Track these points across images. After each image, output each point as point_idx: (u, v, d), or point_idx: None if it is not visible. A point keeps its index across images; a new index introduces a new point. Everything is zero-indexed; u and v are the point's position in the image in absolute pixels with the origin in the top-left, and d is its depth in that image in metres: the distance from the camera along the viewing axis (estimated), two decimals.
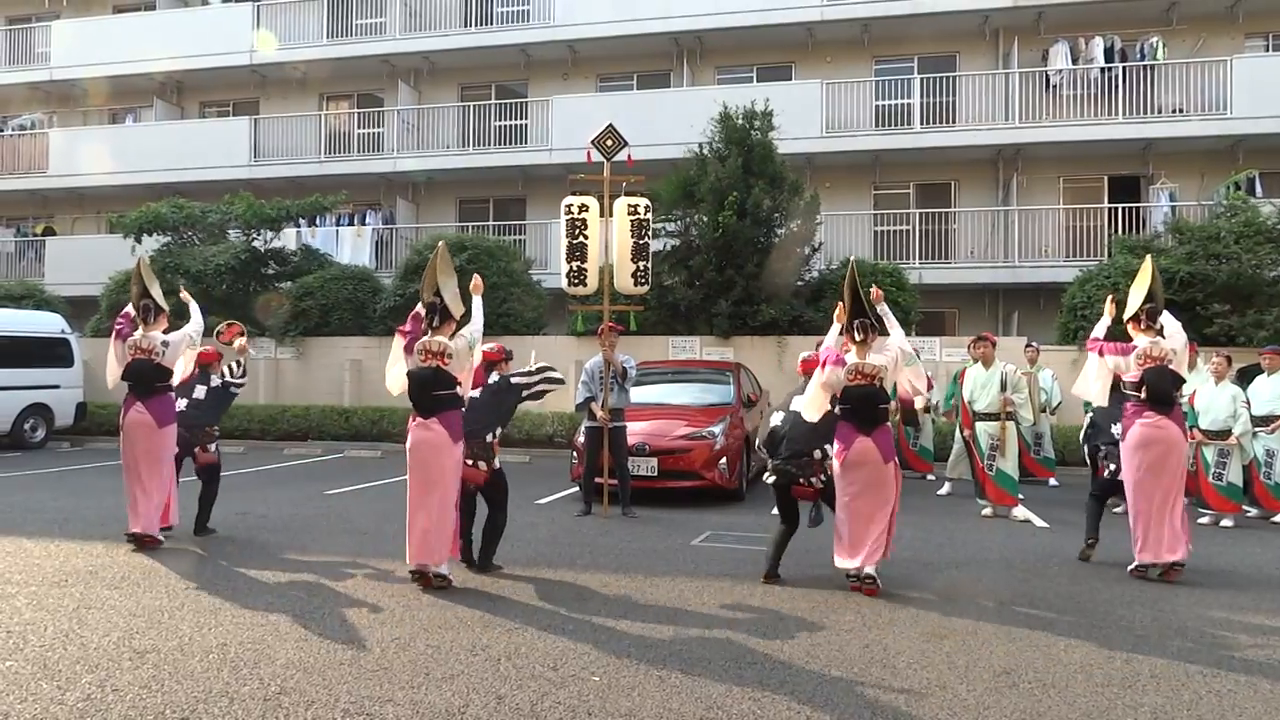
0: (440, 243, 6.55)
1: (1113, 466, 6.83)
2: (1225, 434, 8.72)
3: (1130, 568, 6.41)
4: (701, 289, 15.31)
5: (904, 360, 5.97)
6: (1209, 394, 8.92)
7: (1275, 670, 4.45)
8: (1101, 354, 6.56)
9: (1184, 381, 6.40)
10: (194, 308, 7.62)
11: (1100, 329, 6.75)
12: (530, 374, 6.53)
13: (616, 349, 8.89)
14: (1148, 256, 6.62)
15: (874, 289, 6.13)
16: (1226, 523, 8.75)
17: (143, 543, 6.90)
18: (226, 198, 18.39)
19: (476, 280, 6.44)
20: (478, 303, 6.30)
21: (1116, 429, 6.62)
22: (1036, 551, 7.30)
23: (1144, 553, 6.30)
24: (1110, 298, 6.92)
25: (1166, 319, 6.43)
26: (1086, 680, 4.27)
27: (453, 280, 6.01)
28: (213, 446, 7.70)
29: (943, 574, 6.42)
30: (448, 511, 5.84)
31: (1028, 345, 11.91)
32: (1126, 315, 6.47)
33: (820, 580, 6.15)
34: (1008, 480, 8.83)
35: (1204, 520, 8.74)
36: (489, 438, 6.30)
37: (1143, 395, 6.23)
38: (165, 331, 7.20)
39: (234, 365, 7.92)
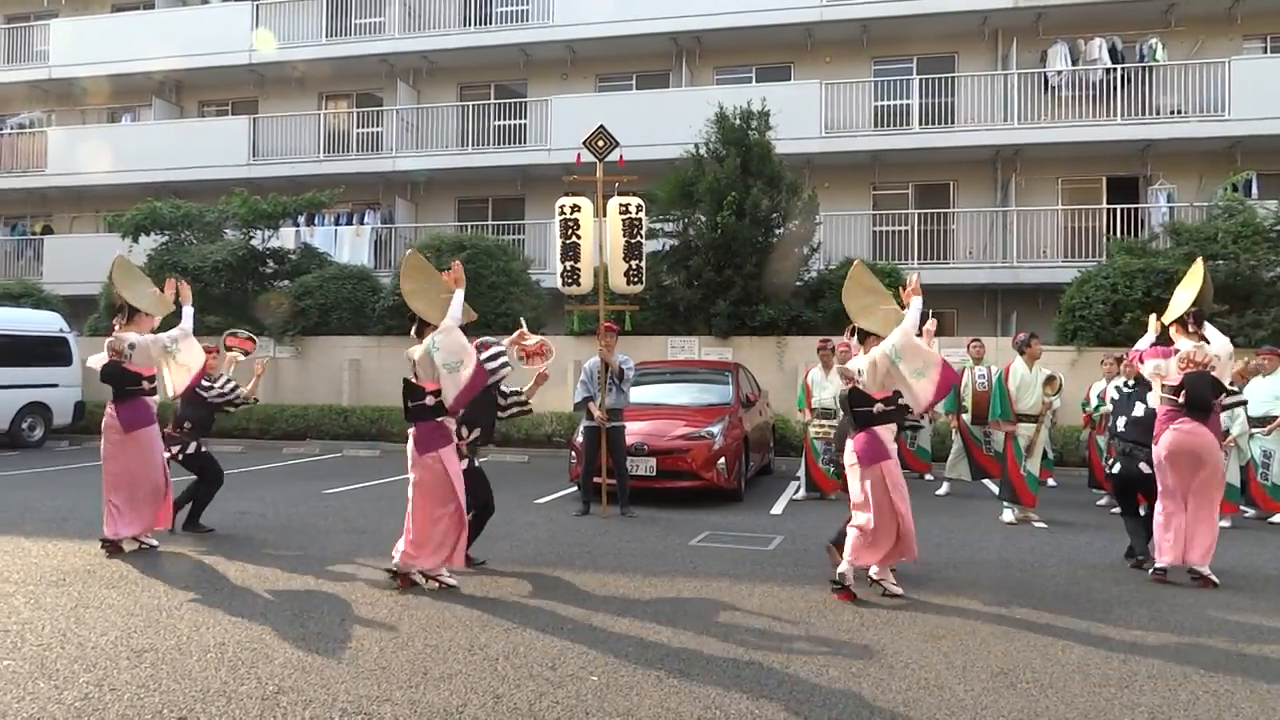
0: (408, 251, 6.42)
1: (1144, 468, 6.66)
2: (1223, 435, 8.72)
3: (1150, 571, 6.34)
4: (700, 289, 15.32)
5: (883, 366, 5.80)
6: None
7: (1272, 670, 4.46)
8: (1141, 360, 6.51)
9: (1224, 389, 6.21)
10: (185, 310, 7.10)
11: (1143, 343, 6.64)
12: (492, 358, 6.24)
13: (615, 349, 8.90)
14: (1199, 259, 6.46)
15: (911, 279, 6.05)
16: (1224, 523, 8.73)
17: (114, 548, 6.70)
18: (224, 197, 18.38)
19: (455, 270, 5.98)
20: (456, 297, 5.85)
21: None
22: (1034, 552, 7.31)
23: (1164, 556, 6.25)
24: (1154, 315, 6.73)
25: (1208, 328, 6.27)
26: (1084, 680, 4.27)
27: (426, 287, 5.86)
28: (188, 448, 7.60)
29: (940, 574, 6.43)
30: (427, 517, 5.78)
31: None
32: (1170, 317, 6.34)
33: (817, 580, 6.15)
34: (1031, 480, 8.80)
35: None
36: (469, 435, 6.27)
37: (1181, 400, 6.12)
38: (155, 332, 7.07)
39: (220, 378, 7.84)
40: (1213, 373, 6.10)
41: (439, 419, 5.81)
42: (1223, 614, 5.47)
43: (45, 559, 6.57)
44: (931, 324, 6.35)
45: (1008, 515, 8.75)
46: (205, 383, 7.66)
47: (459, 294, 5.86)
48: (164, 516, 7.11)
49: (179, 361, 6.91)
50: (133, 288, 7.07)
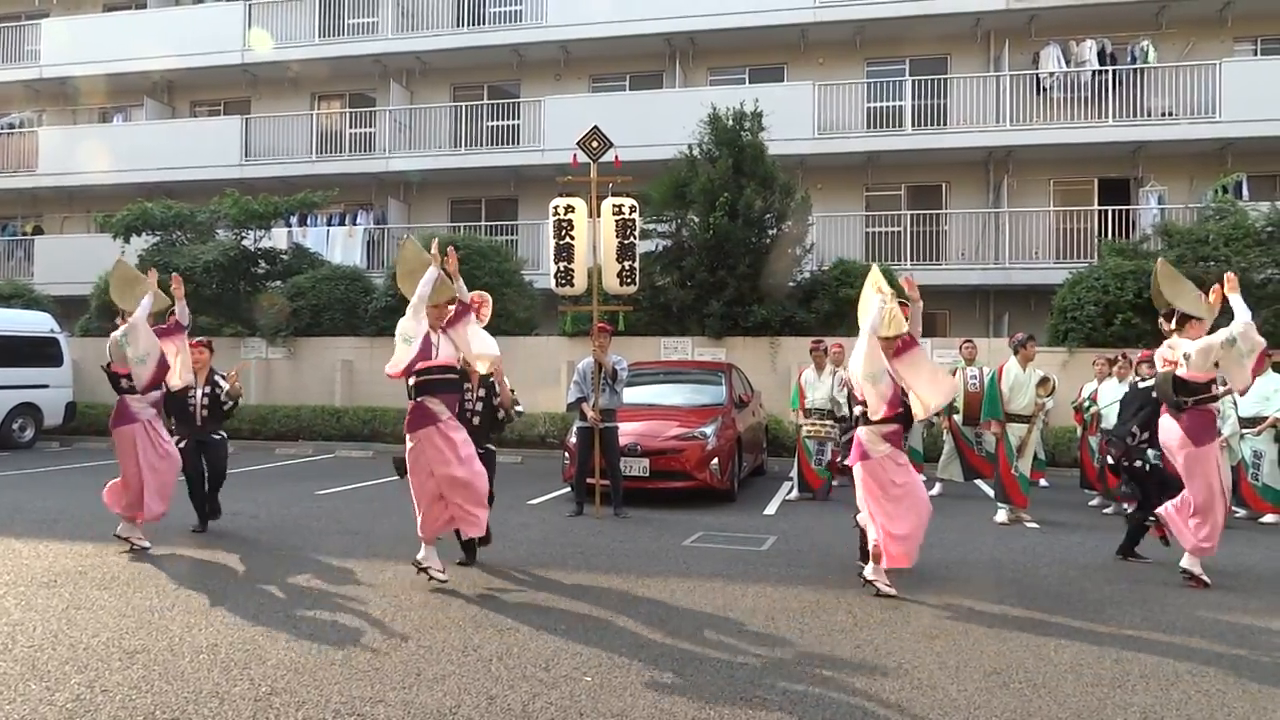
0: (405, 238, 6.45)
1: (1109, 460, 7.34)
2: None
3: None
4: (693, 290, 15.32)
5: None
6: None
7: (1263, 670, 4.48)
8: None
9: (1191, 387, 6.08)
10: (144, 301, 6.88)
11: None
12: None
13: (609, 349, 8.90)
14: (1159, 260, 6.63)
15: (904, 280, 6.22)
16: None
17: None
18: (215, 198, 18.33)
19: (435, 254, 5.95)
20: (426, 274, 5.82)
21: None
22: (1026, 552, 7.33)
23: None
24: None
25: (1234, 300, 6.09)
26: (1076, 680, 4.29)
27: (416, 269, 5.94)
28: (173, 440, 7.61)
29: (933, 574, 6.44)
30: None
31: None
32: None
33: (811, 581, 6.17)
34: (1023, 481, 8.83)
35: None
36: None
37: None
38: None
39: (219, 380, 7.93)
40: (1178, 370, 6.14)
41: (418, 399, 5.87)
42: (1214, 614, 5.50)
43: (36, 560, 6.54)
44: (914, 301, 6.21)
45: (1000, 516, 8.78)
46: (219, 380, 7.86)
47: (430, 271, 5.82)
48: (139, 515, 7.04)
49: (130, 355, 6.88)
50: (129, 292, 7.08)
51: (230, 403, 7.98)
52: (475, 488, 5.83)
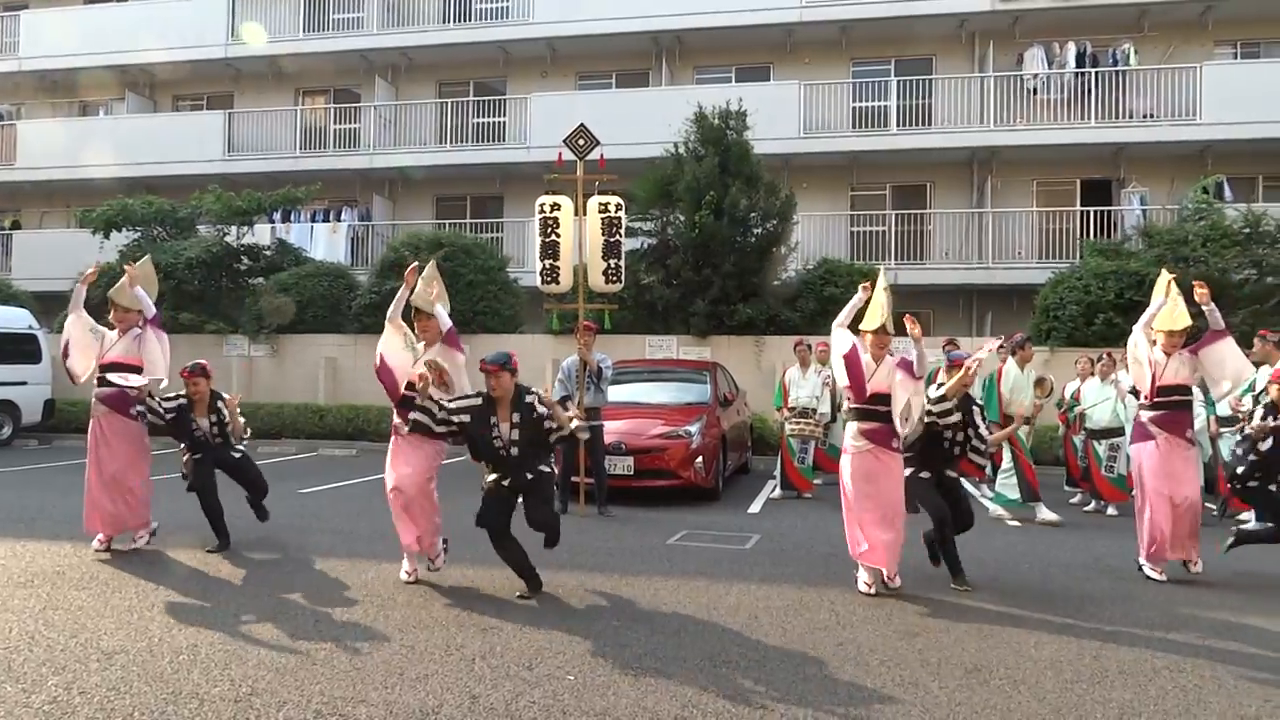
0: (431, 261, 6.42)
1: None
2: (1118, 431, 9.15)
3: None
4: (679, 288, 15.33)
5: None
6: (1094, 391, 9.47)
7: (1239, 665, 4.53)
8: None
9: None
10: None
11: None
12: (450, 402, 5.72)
13: (593, 348, 8.90)
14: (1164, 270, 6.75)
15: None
16: (1111, 511, 9.25)
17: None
18: (197, 193, 18.17)
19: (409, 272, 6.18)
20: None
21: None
22: (1007, 550, 7.38)
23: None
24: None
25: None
26: (1056, 677, 4.32)
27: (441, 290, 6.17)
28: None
29: (915, 572, 6.46)
30: None
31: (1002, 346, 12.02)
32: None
33: (794, 579, 6.19)
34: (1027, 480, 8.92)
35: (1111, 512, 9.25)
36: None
37: None
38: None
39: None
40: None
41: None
42: (1191, 610, 5.56)
43: (13, 560, 6.47)
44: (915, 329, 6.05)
45: (1044, 514, 8.66)
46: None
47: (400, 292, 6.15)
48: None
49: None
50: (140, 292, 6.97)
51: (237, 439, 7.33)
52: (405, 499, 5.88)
